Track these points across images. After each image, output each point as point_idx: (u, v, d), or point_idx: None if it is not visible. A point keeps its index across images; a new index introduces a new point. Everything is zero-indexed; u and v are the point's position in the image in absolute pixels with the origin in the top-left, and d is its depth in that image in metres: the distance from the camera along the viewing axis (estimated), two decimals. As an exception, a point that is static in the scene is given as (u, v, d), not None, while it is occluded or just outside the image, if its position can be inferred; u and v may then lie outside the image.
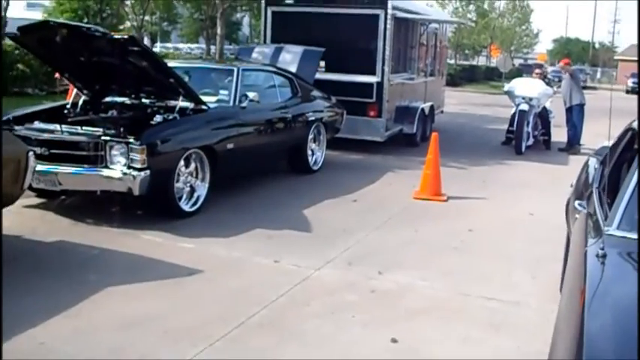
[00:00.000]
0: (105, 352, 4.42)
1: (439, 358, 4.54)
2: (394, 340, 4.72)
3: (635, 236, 3.44)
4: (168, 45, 55.80)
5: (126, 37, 7.40)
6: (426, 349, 4.66)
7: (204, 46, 46.89)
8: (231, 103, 8.62)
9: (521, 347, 4.75)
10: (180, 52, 41.17)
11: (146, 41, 53.38)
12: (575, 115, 14.78)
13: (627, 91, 53.34)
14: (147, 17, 43.79)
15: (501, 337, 4.93)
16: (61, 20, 18.31)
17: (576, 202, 4.84)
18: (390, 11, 12.35)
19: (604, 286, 2.99)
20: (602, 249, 3.25)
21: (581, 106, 14.77)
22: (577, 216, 4.67)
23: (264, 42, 13.06)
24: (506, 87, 15.36)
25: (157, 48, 49.95)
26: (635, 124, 4.82)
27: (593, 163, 5.76)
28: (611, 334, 2.53)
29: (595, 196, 4.51)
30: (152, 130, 7.30)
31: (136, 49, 7.45)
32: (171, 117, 7.65)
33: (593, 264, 3.19)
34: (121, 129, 7.04)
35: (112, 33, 7.69)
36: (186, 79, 8.91)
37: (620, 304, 2.81)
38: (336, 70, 12.30)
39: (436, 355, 4.59)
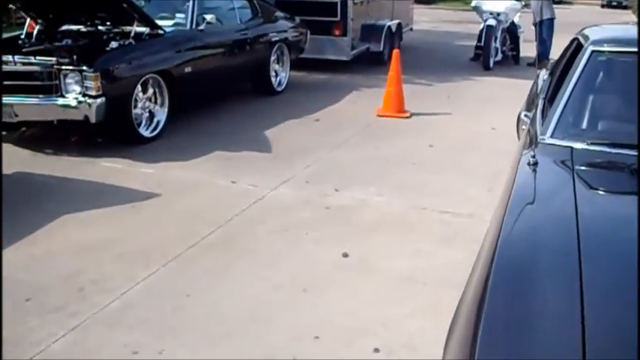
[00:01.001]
0: (59, 277, 4.47)
1: (388, 270, 4.64)
2: (345, 255, 4.81)
3: (569, 144, 3.48)
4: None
5: (75, -40, 7.26)
6: (376, 262, 4.76)
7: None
8: (188, 27, 8.51)
9: (470, 257, 4.82)
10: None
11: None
12: (544, 30, 14.64)
13: (602, 5, 52.87)
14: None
15: (452, 249, 5.02)
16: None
17: (523, 114, 4.89)
18: None
19: (527, 194, 3.03)
20: (534, 157, 3.27)
21: (552, 20, 14.64)
22: (524, 127, 4.72)
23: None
24: (474, 2, 15.20)
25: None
26: (583, 33, 4.81)
27: (543, 74, 5.79)
28: (523, 247, 2.57)
29: (539, 107, 4.55)
30: (106, 56, 7.22)
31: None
32: (126, 43, 7.57)
33: (523, 172, 3.23)
34: (75, 57, 6.97)
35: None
36: (143, 4, 8.79)
37: (541, 215, 2.84)
38: (300, -11, 12.13)
39: (386, 267, 4.68)
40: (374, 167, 7.03)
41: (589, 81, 4.00)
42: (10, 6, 9.51)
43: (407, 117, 9.25)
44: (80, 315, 3.98)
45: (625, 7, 49.64)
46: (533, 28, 14.69)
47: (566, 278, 2.26)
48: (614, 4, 52.33)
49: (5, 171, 6.56)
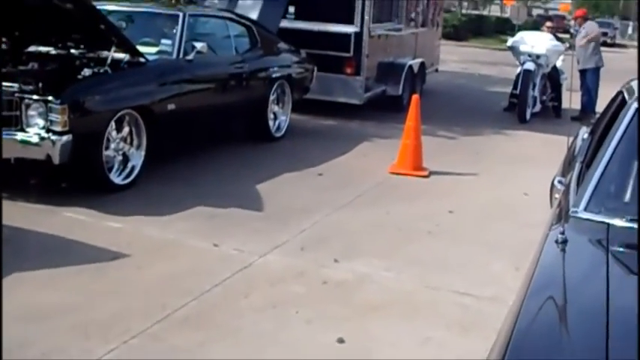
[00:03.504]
0: (5, 348, 4.47)
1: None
2: (341, 341, 4.80)
3: (606, 220, 3.46)
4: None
5: (46, -25, 7.38)
6: (377, 351, 4.75)
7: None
8: (175, 55, 8.63)
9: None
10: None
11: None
12: (589, 79, 14.83)
13: (662, 49, 53.31)
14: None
15: (468, 339, 5.01)
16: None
17: (557, 180, 4.87)
18: (372, -53, 12.33)
19: (551, 278, 3.02)
20: (563, 234, 3.23)
21: (597, 69, 14.82)
22: (557, 195, 4.71)
23: (224, -17, 13.01)
24: (510, 41, 15.38)
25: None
26: (630, 85, 4.85)
27: (583, 132, 5.81)
28: (541, 339, 2.57)
29: (575, 172, 4.55)
30: (76, 86, 7.33)
31: (59, -11, 7.43)
32: (101, 71, 7.66)
33: (550, 251, 3.22)
34: (40, 84, 7.04)
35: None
36: (125, 25, 8.92)
37: (565, 303, 2.83)
38: (307, 17, 12.32)
39: (387, 358, 4.68)
40: (382, 235, 7.06)
41: (632, 144, 3.91)
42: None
43: (425, 176, 9.31)
44: (24, 394, 3.98)
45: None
46: (578, 74, 14.85)
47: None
48: (675, 49, 52.73)
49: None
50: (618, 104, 4.73)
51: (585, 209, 3.57)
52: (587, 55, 14.76)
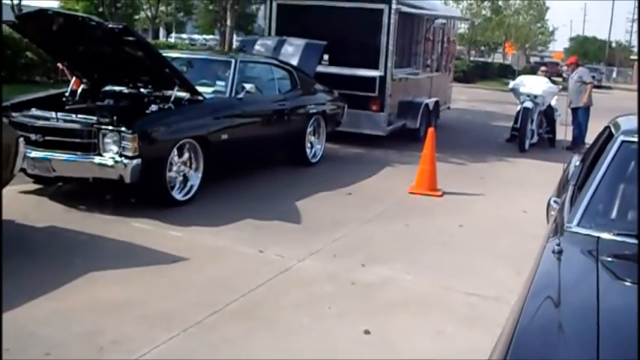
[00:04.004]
0: (80, 335, 4.48)
1: (409, 351, 4.58)
2: (367, 332, 4.76)
3: (596, 234, 3.45)
4: (183, 36, 55.80)
5: (120, 26, 7.44)
6: (398, 341, 4.70)
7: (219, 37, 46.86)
8: (228, 94, 8.68)
9: (493, 342, 4.75)
10: (195, 44, 41.18)
11: (161, 32, 53.55)
12: (580, 115, 14.75)
13: (642, 92, 53.12)
14: (162, 7, 43.88)
15: (475, 332, 4.94)
16: (57, 9, 18.28)
17: (552, 200, 4.87)
18: (394, 6, 12.34)
19: (549, 283, 2.99)
20: (559, 245, 3.25)
21: (587, 108, 14.72)
22: (552, 213, 4.69)
23: (269, 34, 13.10)
24: (512, 84, 15.33)
25: (172, 39, 50.01)
26: (615, 121, 4.82)
27: (575, 160, 5.77)
28: (540, 336, 2.53)
29: (568, 194, 4.53)
30: (145, 119, 7.38)
31: (130, 38, 7.51)
32: (165, 107, 7.72)
33: (547, 260, 3.21)
34: (114, 117, 7.11)
35: (107, 23, 7.75)
36: (185, 69, 8.98)
37: (561, 305, 2.80)
38: (339, 63, 12.37)
39: (407, 347, 4.62)
40: (402, 244, 7.01)
41: (618, 171, 3.98)
42: (59, 64, 9.77)
43: (439, 196, 9.24)
44: (98, 375, 3.98)
45: (665, 95, 49.67)
46: (569, 109, 14.76)
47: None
48: (654, 91, 52.66)
49: (38, 224, 6.69)
50: (605, 137, 4.71)
51: (578, 224, 3.58)
52: (579, 97, 14.68)
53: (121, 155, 6.98)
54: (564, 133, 12.96)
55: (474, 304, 5.49)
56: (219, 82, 8.95)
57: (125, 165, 6.94)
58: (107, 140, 7.05)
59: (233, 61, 9.07)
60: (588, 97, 14.61)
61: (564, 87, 15.65)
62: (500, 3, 55.08)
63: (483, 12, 52.54)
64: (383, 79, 12.55)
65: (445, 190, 9.44)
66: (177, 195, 7.68)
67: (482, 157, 12.89)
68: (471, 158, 12.56)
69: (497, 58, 67.27)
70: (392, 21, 12.39)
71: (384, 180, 10.26)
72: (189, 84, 8.08)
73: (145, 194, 7.60)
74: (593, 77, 18.48)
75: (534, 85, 14.52)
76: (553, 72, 43.64)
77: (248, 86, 8.71)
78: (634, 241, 3.36)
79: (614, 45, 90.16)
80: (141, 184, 7.17)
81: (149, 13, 39.31)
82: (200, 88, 8.32)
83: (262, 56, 11.02)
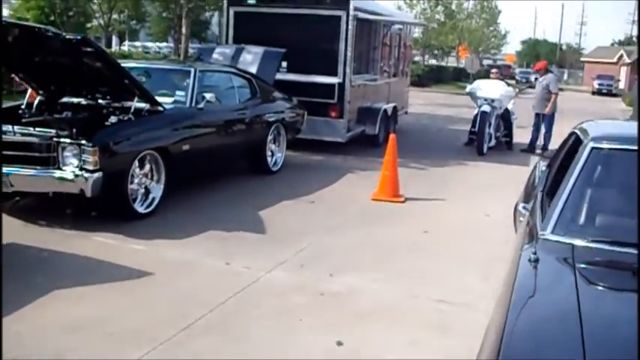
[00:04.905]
0: (49, 355, 4.38)
1: (383, 361, 4.56)
2: (339, 343, 4.74)
3: (570, 241, 3.47)
4: (137, 44, 55.35)
5: (78, 37, 7.31)
6: (371, 351, 4.68)
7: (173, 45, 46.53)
8: (188, 104, 8.59)
9: (465, 349, 4.75)
10: (149, 52, 40.84)
11: (114, 40, 53.03)
12: (546, 121, 14.89)
13: (593, 92, 54.33)
14: (114, 16, 43.41)
15: (448, 339, 4.95)
16: (12, 20, 18.01)
17: (521, 205, 4.90)
18: (351, 12, 12.35)
19: (530, 290, 3.01)
20: (535, 253, 3.27)
21: (552, 114, 14.88)
22: (521, 219, 4.72)
23: (227, 42, 13.01)
24: (469, 88, 15.46)
25: (126, 47, 49.57)
26: (582, 127, 4.86)
27: (541, 165, 5.81)
28: (528, 343, 2.55)
29: (538, 200, 4.55)
30: (105, 131, 7.26)
31: (89, 49, 7.38)
32: (125, 118, 7.61)
33: (524, 268, 3.21)
34: (74, 130, 6.98)
35: (64, 34, 7.61)
36: (144, 79, 8.87)
37: (544, 312, 2.83)
38: (298, 70, 12.32)
39: (380, 357, 4.60)
40: (368, 252, 6.99)
41: (589, 177, 4.02)
42: (13, 76, 9.58)
43: (401, 202, 9.26)
44: (68, 398, 3.88)
45: (615, 95, 50.76)
46: (531, 109, 14.92)
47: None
48: (604, 92, 53.87)
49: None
50: (572, 143, 4.74)
51: (552, 232, 3.59)
52: (543, 104, 14.82)
53: (81, 169, 6.85)
54: (520, 135, 13.21)
55: (444, 312, 5.49)
56: (178, 92, 8.84)
57: (86, 179, 6.82)
58: (67, 154, 6.92)
59: (192, 70, 8.98)
60: (552, 107, 14.77)
61: (522, 89, 15.81)
62: (453, 7, 55.63)
63: (437, 16, 52.95)
64: (342, 85, 12.56)
65: (407, 195, 9.46)
66: (140, 208, 7.57)
67: (442, 161, 12.96)
68: (431, 163, 12.62)
69: (451, 61, 67.88)
70: (349, 27, 12.40)
71: (346, 187, 10.25)
72: (149, 94, 7.97)
73: (106, 207, 7.48)
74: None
75: (491, 89, 14.63)
76: (506, 74, 44.15)
77: (208, 96, 8.65)
78: (609, 247, 3.39)
79: (564, 47, 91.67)
80: (102, 197, 7.05)
81: (102, 22, 38.83)
82: (160, 99, 8.20)
83: (221, 65, 10.95)
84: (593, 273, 3.25)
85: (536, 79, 15.83)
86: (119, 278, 5.77)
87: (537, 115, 14.96)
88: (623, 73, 63.90)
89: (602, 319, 2.77)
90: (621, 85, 59.37)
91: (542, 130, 14.91)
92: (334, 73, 12.52)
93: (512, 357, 2.40)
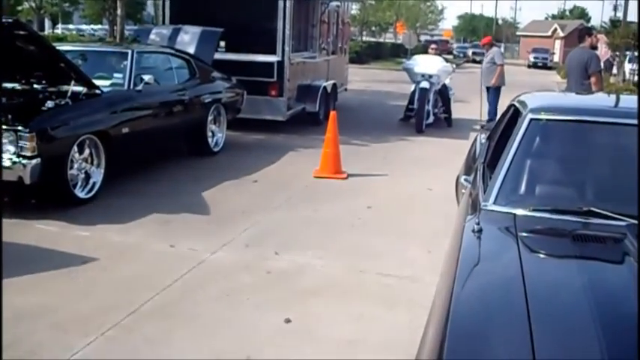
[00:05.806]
0: (-7, 347, 4.31)
1: (331, 337, 4.59)
2: (288, 321, 4.76)
3: (512, 211, 3.53)
4: (71, 27, 54.16)
5: (10, 20, 7.15)
6: (320, 327, 4.71)
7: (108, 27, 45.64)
8: (126, 87, 8.47)
9: (413, 321, 4.82)
10: (84, 35, 40.03)
11: (47, 23, 51.82)
12: (490, 95, 15.06)
13: (529, 66, 55.42)
14: (46, -2, 42.45)
15: (395, 312, 5.01)
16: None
17: (462, 178, 4.97)
18: (289, -10, 12.31)
19: (474, 260, 3.07)
20: (478, 224, 3.32)
21: (498, 87, 15.03)
22: (463, 191, 4.78)
23: (163, 23, 12.88)
24: (406, 64, 15.51)
25: (59, 30, 48.49)
26: (520, 99, 4.93)
27: (481, 138, 5.89)
28: (476, 310, 2.61)
29: (479, 172, 4.62)
30: (42, 116, 7.11)
31: (22, 32, 7.21)
32: (62, 102, 7.47)
33: (469, 239, 3.27)
34: (9, 116, 6.83)
35: (-5, 17, 7.42)
36: (80, 62, 8.72)
37: (489, 279, 2.89)
38: (237, 50, 12.27)
39: (328, 333, 4.64)
40: (313, 229, 7.02)
41: (529, 148, 4.08)
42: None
43: (344, 178, 9.31)
44: (15, 388, 3.83)
45: (550, 68, 51.76)
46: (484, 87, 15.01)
47: (518, 337, 2.33)
48: (540, 65, 55.03)
49: None
50: (511, 115, 4.81)
51: (494, 203, 3.65)
52: (490, 77, 14.99)
53: (18, 156, 6.71)
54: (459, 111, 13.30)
55: (390, 285, 5.55)
56: (116, 75, 8.70)
57: (24, 165, 6.68)
58: (3, 140, 6.76)
59: (130, 52, 8.85)
60: (497, 78, 14.94)
61: (459, 64, 15.96)
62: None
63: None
64: (281, 63, 12.54)
65: (350, 172, 9.52)
66: (80, 193, 7.46)
67: (383, 137, 13.06)
68: (372, 139, 12.70)
69: (388, 37, 68.11)
70: (288, 5, 12.37)
71: (288, 165, 10.26)
72: (86, 78, 7.83)
73: (46, 194, 7.35)
74: (482, 54, 18.89)
75: (429, 64, 14.68)
76: (443, 49, 44.41)
77: (146, 77, 8.54)
78: (549, 215, 3.47)
79: (500, 22, 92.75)
80: (41, 183, 6.92)
81: (33, 4, 37.96)
82: (97, 82, 8.07)
83: (158, 46, 10.80)
84: (534, 241, 3.32)
85: (473, 53, 16.03)
86: (63, 265, 5.68)
87: (487, 88, 15.10)
88: (558, 47, 65.12)
89: (544, 283, 2.84)
90: (556, 58, 60.47)
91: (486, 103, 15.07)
92: (273, 52, 12.49)
93: (460, 324, 2.45)
